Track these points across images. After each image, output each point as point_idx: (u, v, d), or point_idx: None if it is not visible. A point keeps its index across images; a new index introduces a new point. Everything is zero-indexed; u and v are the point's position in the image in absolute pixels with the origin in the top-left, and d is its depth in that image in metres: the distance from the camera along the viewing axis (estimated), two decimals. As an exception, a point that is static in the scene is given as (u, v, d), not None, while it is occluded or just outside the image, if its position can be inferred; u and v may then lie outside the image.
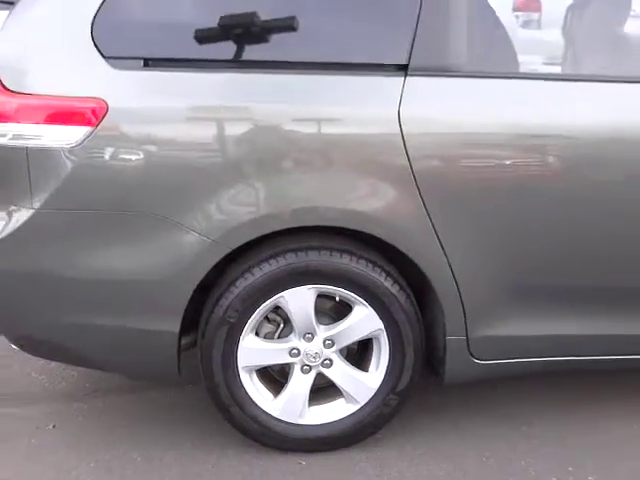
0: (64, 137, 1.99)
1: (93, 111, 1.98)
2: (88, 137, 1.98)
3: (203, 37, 2.06)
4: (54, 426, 2.44)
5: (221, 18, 2.04)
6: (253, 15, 2.05)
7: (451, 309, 2.16)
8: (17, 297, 2.16)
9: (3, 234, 2.07)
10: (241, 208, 2.05)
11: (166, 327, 2.12)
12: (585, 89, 2.12)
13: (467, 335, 2.20)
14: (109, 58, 2.01)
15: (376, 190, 2.07)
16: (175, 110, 2.03)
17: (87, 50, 2.01)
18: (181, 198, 2.03)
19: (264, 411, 2.24)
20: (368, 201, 2.08)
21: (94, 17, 2.01)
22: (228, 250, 2.06)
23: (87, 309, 2.13)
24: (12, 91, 2.01)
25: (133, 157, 2.02)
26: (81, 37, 2.02)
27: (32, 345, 2.29)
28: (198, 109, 2.06)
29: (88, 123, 1.98)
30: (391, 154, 2.04)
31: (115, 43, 2.03)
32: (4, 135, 2.02)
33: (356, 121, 2.06)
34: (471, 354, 2.23)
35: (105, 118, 1.97)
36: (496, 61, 2.20)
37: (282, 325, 2.25)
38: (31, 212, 2.05)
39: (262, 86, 2.05)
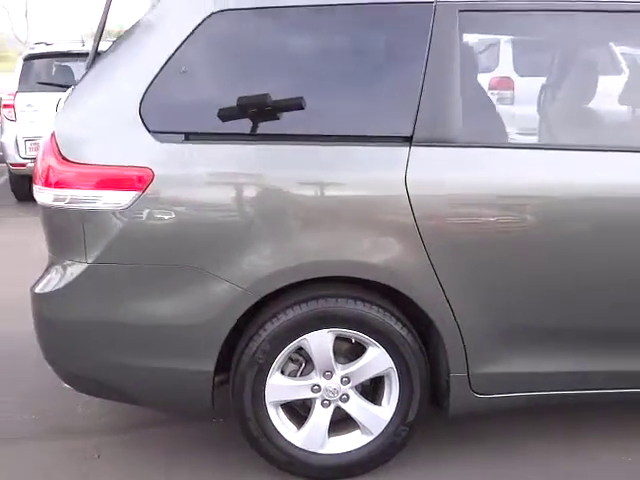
0: (116, 200, 2.30)
1: (141, 178, 2.29)
2: (136, 200, 2.29)
3: (230, 115, 2.38)
4: (99, 456, 2.71)
5: (247, 98, 2.36)
6: (276, 94, 2.37)
7: (453, 349, 2.43)
8: (71, 342, 2.45)
9: (59, 286, 2.38)
10: (267, 261, 2.34)
11: (203, 367, 2.40)
12: (557, 156, 2.42)
13: (468, 372, 2.46)
14: (154, 132, 2.33)
15: (386, 244, 2.36)
16: (207, 176, 2.35)
17: (135, 125, 2.33)
18: (215, 253, 2.33)
19: (289, 442, 2.50)
20: (380, 254, 2.37)
21: (142, 98, 2.33)
22: (257, 298, 2.35)
23: (133, 352, 2.42)
24: (70, 161, 2.32)
25: (174, 217, 2.32)
26: (130, 114, 2.34)
27: (82, 383, 2.57)
28: (226, 176, 2.37)
29: (136, 188, 2.29)
30: (399, 213, 2.34)
31: (159, 120, 2.35)
32: (63, 199, 2.33)
33: (369, 185, 2.36)
34: (472, 389, 2.49)
35: (151, 184, 2.28)
36: (485, 133, 2.49)
37: (304, 364, 2.52)
38: (85, 266, 2.35)
39: (283, 156, 2.36)
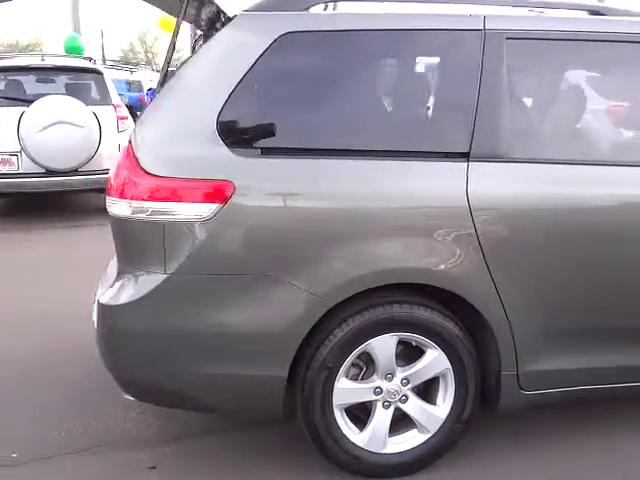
0: (198, 212, 2.37)
1: (222, 191, 2.37)
2: (218, 212, 2.37)
3: (302, 131, 2.52)
4: (154, 467, 2.73)
5: (316, 115, 2.50)
6: (341, 112, 2.52)
7: (505, 348, 2.62)
8: (144, 351, 2.49)
9: (135, 296, 2.42)
10: (341, 269, 2.46)
11: (277, 373, 2.49)
12: (592, 171, 2.67)
13: (517, 370, 2.66)
14: (232, 147, 2.42)
15: (449, 252, 2.53)
16: (283, 189, 2.45)
17: (213, 140, 2.42)
18: (291, 262, 2.43)
19: (354, 444, 2.62)
20: (443, 261, 2.53)
21: (219, 114, 2.42)
22: (331, 305, 2.47)
23: (209, 360, 2.48)
24: (152, 174, 2.38)
25: (252, 228, 2.42)
26: (208, 129, 2.42)
27: (150, 393, 2.60)
28: (299, 189, 2.47)
29: (218, 201, 2.37)
30: (461, 224, 2.52)
31: (235, 135, 2.44)
32: (144, 211, 2.38)
33: (433, 197, 2.53)
34: (520, 386, 2.69)
35: (232, 197, 2.37)
36: (532, 149, 2.71)
37: (365, 368, 2.65)
38: (164, 277, 2.40)
39: (353, 170, 2.49)
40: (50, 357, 3.67)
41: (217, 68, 2.50)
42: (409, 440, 2.69)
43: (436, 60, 2.66)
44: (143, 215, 2.39)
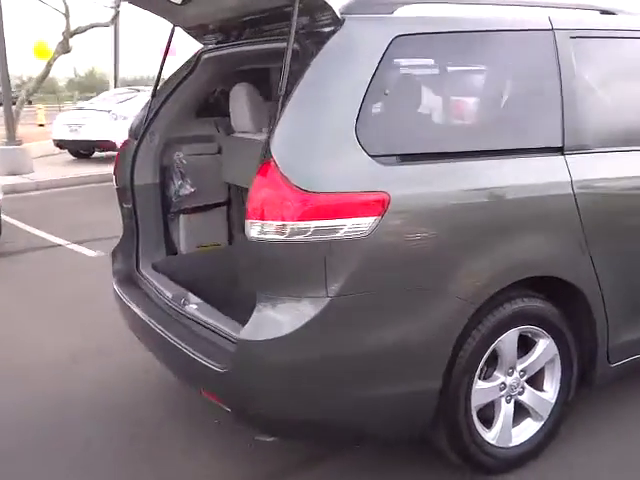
0: (358, 228, 2.21)
1: (379, 203, 2.24)
2: (377, 226, 2.23)
3: (437, 134, 2.47)
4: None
5: (444, 117, 2.46)
6: (465, 113, 2.50)
7: (601, 327, 2.79)
8: (304, 383, 2.27)
9: (293, 327, 2.20)
10: (484, 270, 2.45)
11: (432, 385, 2.41)
12: None
13: (608, 345, 2.85)
14: (373, 156, 2.29)
15: (563, 242, 2.63)
16: (430, 196, 2.38)
17: (355, 150, 2.27)
18: (442, 268, 2.37)
19: (487, 442, 2.62)
20: (558, 251, 2.63)
21: (355, 123, 2.27)
22: (477, 307, 2.44)
23: (367, 383, 2.34)
24: (309, 191, 2.17)
25: (409, 239, 2.32)
26: (349, 140, 2.27)
27: (298, 429, 2.40)
28: (441, 194, 2.41)
29: (376, 213, 2.23)
30: (569, 213, 2.63)
31: (374, 143, 2.31)
32: (305, 232, 2.16)
33: (547, 191, 2.61)
34: (608, 360, 2.88)
35: (388, 208, 2.24)
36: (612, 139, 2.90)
37: (485, 367, 2.66)
38: (326, 301, 2.21)
39: (487, 170, 2.50)
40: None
41: (342, 75, 2.33)
42: (526, 430, 2.76)
43: (525, 60, 2.72)
44: (301, 236, 2.17)
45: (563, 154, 2.65)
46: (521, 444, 2.73)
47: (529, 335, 2.69)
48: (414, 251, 2.33)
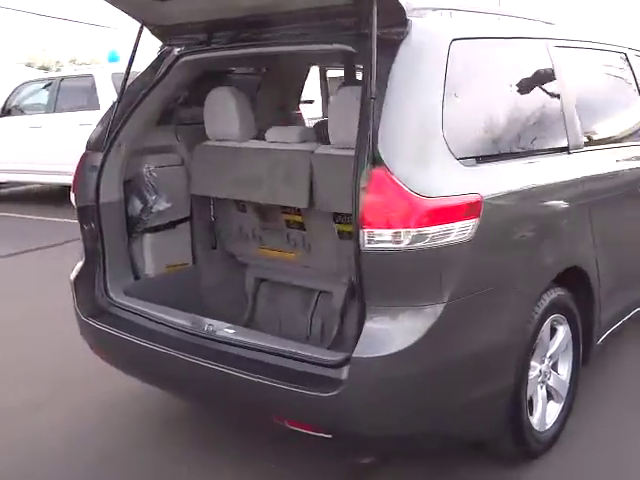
0: (464, 230, 2.21)
1: (478, 204, 2.25)
2: (477, 227, 2.24)
3: (510, 135, 2.63)
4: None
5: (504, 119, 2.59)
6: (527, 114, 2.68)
7: (597, 309, 3.05)
8: (425, 394, 2.21)
9: (419, 334, 2.15)
10: (549, 266, 2.66)
11: (510, 382, 2.48)
12: None
13: (600, 324, 3.12)
14: (459, 159, 2.30)
15: (580, 233, 2.88)
16: (509, 195, 2.46)
17: (447, 154, 2.28)
18: (530, 266, 2.51)
19: (534, 429, 2.74)
20: (577, 241, 2.88)
21: (441, 126, 2.28)
22: (539, 301, 2.58)
23: (476, 384, 2.36)
24: (422, 196, 2.12)
25: (502, 238, 2.41)
26: (440, 144, 2.27)
27: (419, 442, 2.36)
28: (519, 192, 2.52)
29: (474, 216, 2.24)
30: (581, 206, 2.87)
31: (459, 146, 2.33)
32: (424, 238, 2.11)
33: (567, 186, 2.82)
34: (597, 338, 3.15)
35: (482, 209, 2.27)
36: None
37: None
38: (442, 307, 2.19)
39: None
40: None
41: (423, 78, 2.33)
42: (552, 412, 2.92)
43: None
44: (420, 243, 2.12)
45: (569, 152, 2.89)
46: (552, 425, 2.90)
47: (554, 324, 2.87)
48: (505, 249, 2.41)
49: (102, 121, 3.03)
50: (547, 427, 2.85)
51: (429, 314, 2.16)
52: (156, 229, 3.22)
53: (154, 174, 3.16)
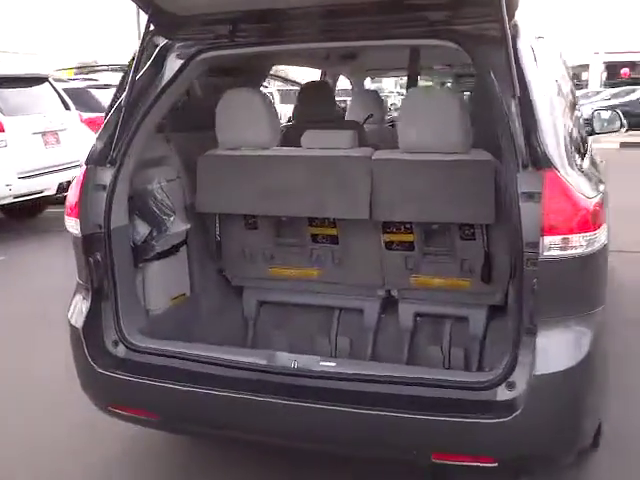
0: (605, 232, 2.13)
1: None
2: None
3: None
4: None
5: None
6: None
7: None
8: (591, 404, 2.13)
9: (590, 345, 2.04)
10: None
11: None
12: None
13: None
14: None
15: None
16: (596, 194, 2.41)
17: (573, 152, 2.22)
18: None
19: None
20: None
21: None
22: None
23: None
24: (589, 198, 2.04)
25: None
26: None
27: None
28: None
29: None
30: None
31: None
32: (598, 241, 2.04)
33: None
34: None
35: None
36: None
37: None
38: (601, 311, 2.13)
39: None
40: None
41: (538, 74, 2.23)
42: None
43: None
44: (596, 246, 2.03)
45: None
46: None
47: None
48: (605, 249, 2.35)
49: (106, 130, 2.47)
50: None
51: (595, 319, 2.09)
52: (159, 255, 2.72)
53: (165, 190, 2.66)
